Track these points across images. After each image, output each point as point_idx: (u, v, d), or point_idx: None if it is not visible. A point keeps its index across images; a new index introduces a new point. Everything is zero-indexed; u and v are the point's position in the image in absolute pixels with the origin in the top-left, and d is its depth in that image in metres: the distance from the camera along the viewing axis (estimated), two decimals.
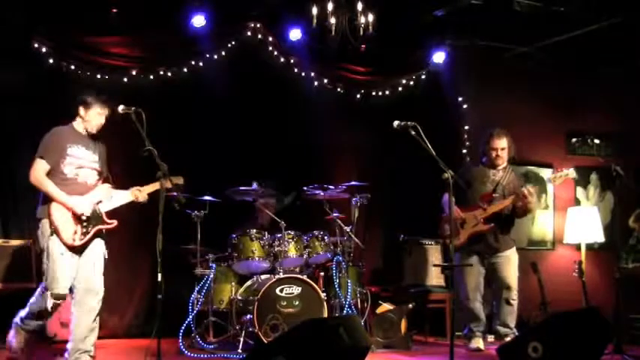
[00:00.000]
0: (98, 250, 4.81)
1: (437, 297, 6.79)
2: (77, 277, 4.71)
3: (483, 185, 6.02)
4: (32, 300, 4.77)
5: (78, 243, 4.66)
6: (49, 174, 4.67)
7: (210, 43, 6.68)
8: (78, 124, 4.84)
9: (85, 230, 4.68)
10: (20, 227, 6.22)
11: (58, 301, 4.64)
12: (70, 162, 4.71)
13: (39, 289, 4.74)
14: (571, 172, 5.89)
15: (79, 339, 4.68)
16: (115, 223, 4.87)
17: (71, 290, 4.76)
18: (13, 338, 4.82)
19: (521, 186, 5.93)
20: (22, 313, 4.83)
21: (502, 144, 6.04)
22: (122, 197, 4.93)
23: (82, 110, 4.81)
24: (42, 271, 4.70)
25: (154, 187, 4.90)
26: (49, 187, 4.62)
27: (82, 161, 4.77)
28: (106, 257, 4.88)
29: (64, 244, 4.61)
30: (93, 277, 4.74)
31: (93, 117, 4.81)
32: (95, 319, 4.75)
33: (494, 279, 6.08)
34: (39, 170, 4.65)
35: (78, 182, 4.74)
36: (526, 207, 5.89)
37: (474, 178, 6.02)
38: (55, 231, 4.60)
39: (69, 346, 4.72)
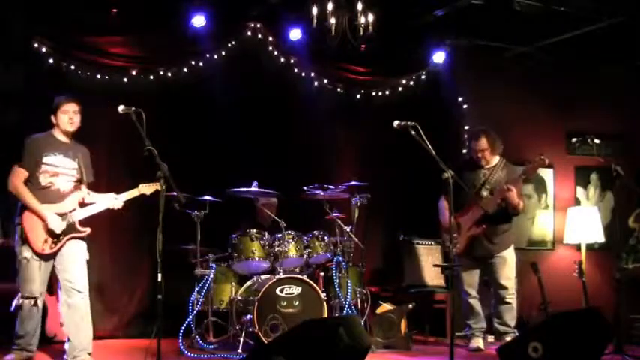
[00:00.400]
0: (77, 250, 4.87)
1: (437, 297, 6.79)
2: (60, 278, 4.81)
3: (474, 186, 6.00)
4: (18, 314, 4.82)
5: (48, 251, 4.75)
6: (26, 181, 4.76)
7: (210, 43, 6.68)
8: (55, 131, 4.93)
9: (56, 239, 4.77)
10: None
11: (27, 300, 4.69)
12: (45, 170, 4.79)
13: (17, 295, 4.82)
14: (542, 160, 5.78)
15: (74, 337, 4.76)
16: (88, 231, 4.92)
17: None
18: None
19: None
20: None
21: (481, 145, 5.99)
22: (97, 205, 4.98)
23: (53, 118, 4.93)
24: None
25: (131, 194, 5.03)
26: (26, 196, 4.73)
27: (59, 169, 4.85)
28: (88, 257, 4.93)
29: (34, 251, 4.71)
30: (74, 276, 4.81)
31: (61, 118, 4.89)
32: (84, 317, 4.81)
33: (491, 279, 6.10)
34: (17, 178, 4.76)
35: (52, 190, 4.82)
36: (509, 203, 5.83)
37: (465, 179, 5.97)
38: (26, 239, 4.70)
39: (66, 346, 4.80)
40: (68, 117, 4.88)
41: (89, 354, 4.78)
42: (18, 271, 4.76)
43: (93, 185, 5.14)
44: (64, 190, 4.86)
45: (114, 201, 4.98)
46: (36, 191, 4.75)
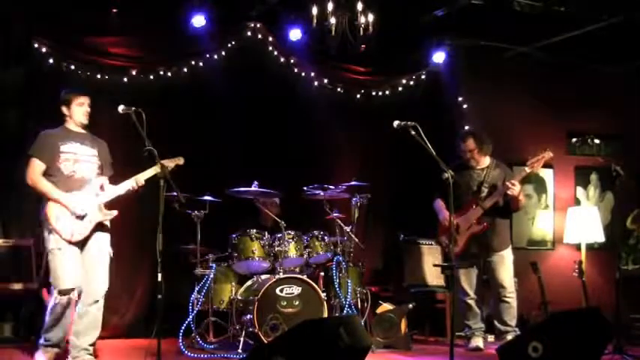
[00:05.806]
0: (102, 247, 4.83)
1: (437, 297, 6.79)
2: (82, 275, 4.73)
3: (469, 186, 6.01)
4: (48, 310, 4.74)
5: (77, 238, 4.68)
6: (46, 173, 4.70)
7: (210, 43, 6.68)
8: (68, 124, 4.89)
9: (84, 225, 4.69)
10: (20, 227, 6.21)
11: (65, 297, 4.61)
12: (66, 158, 4.74)
13: (52, 293, 4.72)
14: (547, 154, 5.85)
15: (79, 339, 4.72)
16: (115, 212, 4.86)
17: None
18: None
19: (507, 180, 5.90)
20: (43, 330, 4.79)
21: (468, 146, 6.02)
22: (119, 188, 4.87)
23: (65, 110, 4.87)
24: (48, 272, 4.73)
25: (153, 171, 4.80)
26: (44, 186, 4.66)
27: (78, 156, 4.80)
28: (112, 256, 4.89)
29: (64, 240, 4.63)
30: (93, 282, 4.77)
31: (76, 110, 4.85)
32: (93, 323, 4.77)
33: (489, 278, 6.11)
34: (34, 170, 4.69)
35: (75, 178, 4.75)
36: (512, 199, 5.86)
37: (461, 180, 5.95)
38: (53, 229, 4.62)
39: (70, 346, 4.75)
40: (84, 109, 4.87)
41: (90, 354, 4.77)
42: (49, 267, 4.68)
43: None
44: (88, 177, 4.80)
45: (134, 182, 4.85)
46: (59, 181, 4.69)
